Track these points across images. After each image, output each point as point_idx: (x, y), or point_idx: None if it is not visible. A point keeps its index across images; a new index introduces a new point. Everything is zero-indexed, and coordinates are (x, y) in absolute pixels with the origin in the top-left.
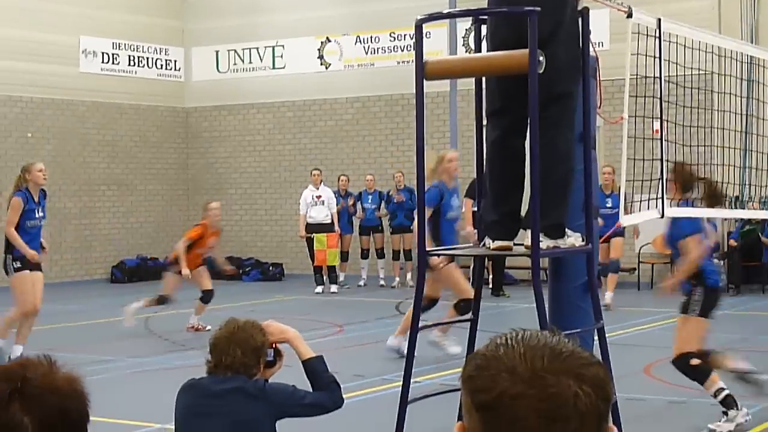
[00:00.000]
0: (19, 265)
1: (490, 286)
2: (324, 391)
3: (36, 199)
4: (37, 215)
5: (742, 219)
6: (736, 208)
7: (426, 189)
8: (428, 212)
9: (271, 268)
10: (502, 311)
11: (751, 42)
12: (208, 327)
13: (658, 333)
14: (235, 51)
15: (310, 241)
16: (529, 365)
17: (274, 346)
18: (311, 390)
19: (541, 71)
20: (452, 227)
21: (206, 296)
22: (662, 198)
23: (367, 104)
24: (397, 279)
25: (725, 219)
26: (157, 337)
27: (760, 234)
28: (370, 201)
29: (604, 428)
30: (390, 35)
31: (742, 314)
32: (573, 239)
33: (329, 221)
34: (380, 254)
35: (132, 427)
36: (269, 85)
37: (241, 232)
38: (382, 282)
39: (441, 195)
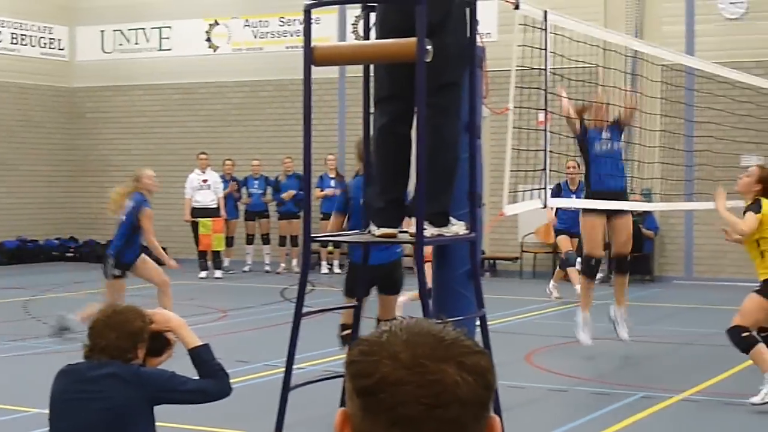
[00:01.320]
0: None
1: None
2: (210, 379)
3: None
4: None
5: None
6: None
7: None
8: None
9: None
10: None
11: (636, 36)
12: None
13: (539, 321)
14: (121, 31)
15: (195, 226)
16: (411, 352)
17: (162, 334)
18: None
19: (428, 60)
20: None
21: None
22: (545, 188)
23: (256, 88)
24: (283, 265)
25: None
26: (35, 321)
27: (641, 225)
28: (256, 186)
29: (485, 417)
30: (279, 20)
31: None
32: (457, 227)
33: (215, 206)
34: (266, 240)
35: (8, 412)
36: (156, 67)
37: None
38: (267, 267)
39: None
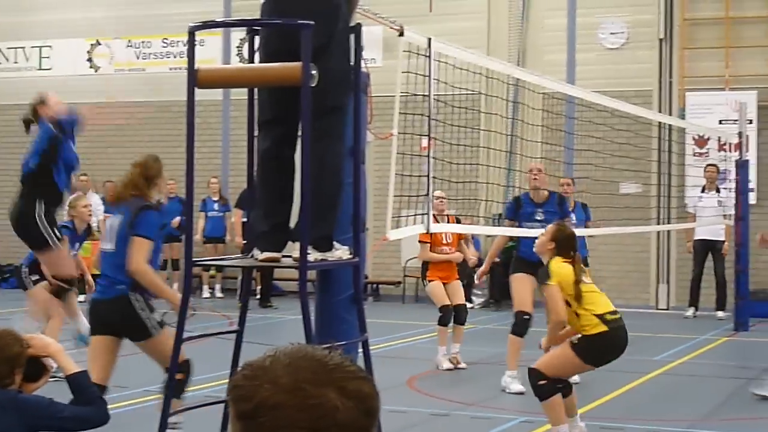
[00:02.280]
0: None
1: (258, 297)
2: (88, 406)
3: None
4: None
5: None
6: (498, 225)
7: None
8: None
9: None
10: (269, 322)
11: (519, 64)
12: None
13: (421, 346)
14: (0, 50)
15: None
16: (292, 376)
17: (39, 360)
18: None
19: (314, 84)
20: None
21: None
22: (428, 213)
23: (138, 110)
24: None
25: (488, 236)
26: None
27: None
28: None
29: None
30: (162, 41)
31: (506, 329)
32: (341, 252)
33: (96, 228)
34: None
35: None
36: (36, 86)
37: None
38: None
39: None
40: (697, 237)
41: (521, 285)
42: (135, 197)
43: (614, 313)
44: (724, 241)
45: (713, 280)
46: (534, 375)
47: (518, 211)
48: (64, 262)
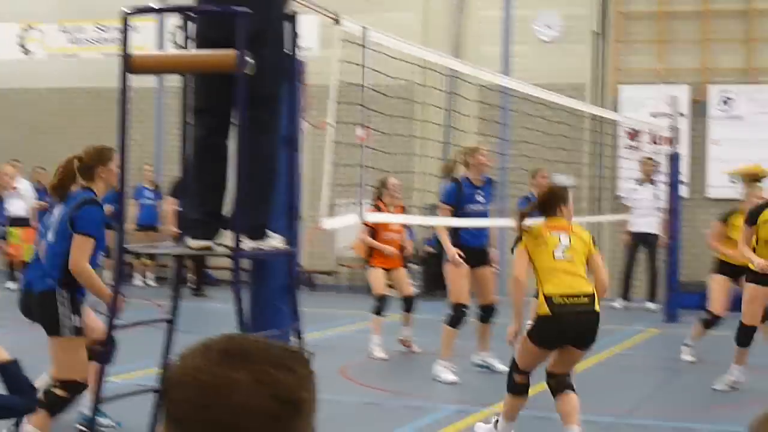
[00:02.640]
0: None
1: (191, 286)
2: (17, 394)
3: None
4: None
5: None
6: (433, 215)
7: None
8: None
9: None
10: (202, 311)
11: (454, 56)
12: None
13: (355, 335)
14: None
15: (3, 234)
16: (201, 357)
17: None
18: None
19: (249, 72)
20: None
21: None
22: (362, 203)
23: (71, 96)
24: None
25: (422, 226)
26: None
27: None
28: None
29: (279, 429)
30: (96, 26)
31: (439, 318)
32: (275, 241)
33: (25, 215)
34: None
35: None
36: None
37: None
38: None
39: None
40: (632, 229)
41: (458, 275)
42: (80, 189)
43: (571, 296)
44: (658, 234)
45: (643, 271)
46: (511, 365)
47: (460, 194)
48: None
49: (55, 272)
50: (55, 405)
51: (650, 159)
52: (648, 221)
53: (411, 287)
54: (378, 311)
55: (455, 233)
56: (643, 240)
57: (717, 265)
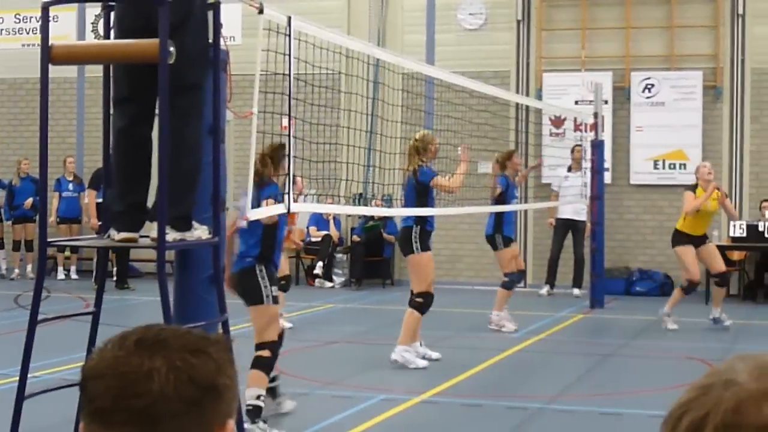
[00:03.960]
0: None
1: (114, 278)
2: None
3: None
4: None
5: (365, 215)
6: (359, 204)
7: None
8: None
9: None
10: (126, 304)
11: (379, 44)
12: None
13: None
14: None
15: None
16: (116, 347)
17: None
18: None
19: (171, 61)
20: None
21: None
22: (289, 193)
23: None
24: (17, 271)
25: (348, 215)
26: None
27: (382, 230)
28: None
29: (200, 417)
30: (15, 16)
31: (366, 307)
32: (200, 232)
33: None
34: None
35: None
36: None
37: None
38: (3, 273)
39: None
40: (559, 216)
41: (431, 263)
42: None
43: None
44: (585, 221)
45: (570, 258)
46: None
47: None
48: None
49: (253, 251)
50: (267, 366)
51: (580, 146)
52: (576, 208)
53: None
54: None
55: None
56: (570, 227)
57: (679, 237)
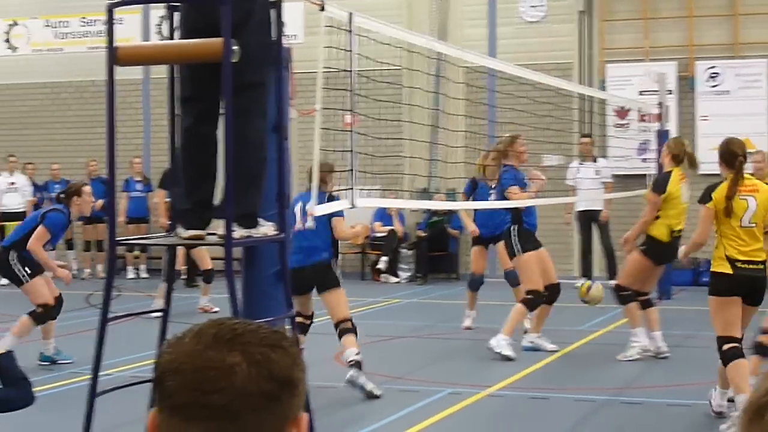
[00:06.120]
0: None
1: (184, 277)
2: (12, 388)
3: None
4: None
5: (429, 210)
6: (423, 199)
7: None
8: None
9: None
10: (195, 302)
11: (440, 39)
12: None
13: None
14: None
15: (1, 229)
16: (194, 342)
17: None
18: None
19: (235, 60)
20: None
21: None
22: (353, 188)
23: (57, 90)
24: (88, 270)
25: (413, 210)
26: None
27: (446, 225)
28: (57, 190)
29: (276, 411)
30: (81, 20)
31: (431, 302)
32: (266, 228)
33: (23, 209)
34: (70, 245)
35: None
36: None
37: None
38: (74, 272)
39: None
40: (577, 209)
41: (534, 262)
42: None
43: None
44: (602, 210)
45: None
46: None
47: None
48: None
49: (328, 246)
50: (354, 331)
51: (587, 137)
52: (592, 199)
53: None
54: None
55: (521, 218)
56: (591, 218)
57: None
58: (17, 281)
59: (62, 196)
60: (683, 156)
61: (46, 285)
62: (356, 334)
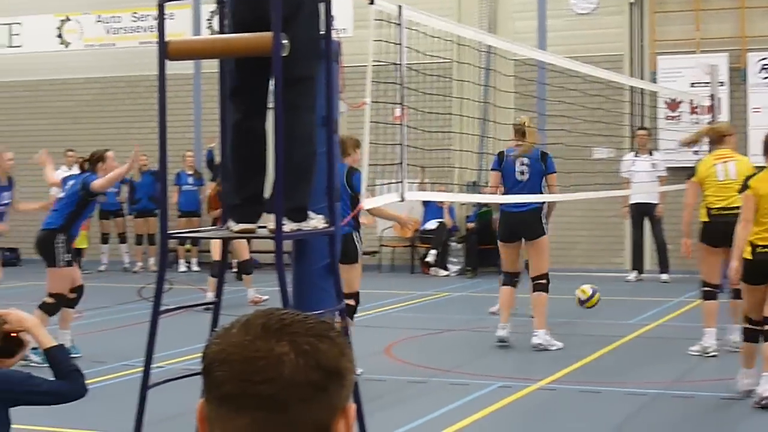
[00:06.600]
0: None
1: (234, 270)
2: (65, 380)
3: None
4: None
5: (478, 203)
6: (473, 192)
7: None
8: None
9: (7, 253)
10: (246, 294)
11: (489, 31)
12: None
13: (398, 315)
14: None
15: None
16: (242, 332)
17: (14, 335)
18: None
19: (285, 54)
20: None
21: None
22: (402, 182)
23: (108, 85)
24: (140, 264)
25: (462, 203)
26: None
27: (494, 215)
28: None
29: (323, 401)
30: (132, 15)
31: (481, 295)
32: (316, 221)
33: None
34: (122, 239)
35: None
36: (4, 64)
37: None
38: (126, 266)
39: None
40: (632, 201)
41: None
42: None
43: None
44: (658, 204)
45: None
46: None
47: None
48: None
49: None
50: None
51: (644, 129)
52: (647, 192)
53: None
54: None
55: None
56: (645, 211)
57: None
58: (52, 262)
59: (87, 164)
60: (716, 136)
61: (71, 278)
62: (355, 311)
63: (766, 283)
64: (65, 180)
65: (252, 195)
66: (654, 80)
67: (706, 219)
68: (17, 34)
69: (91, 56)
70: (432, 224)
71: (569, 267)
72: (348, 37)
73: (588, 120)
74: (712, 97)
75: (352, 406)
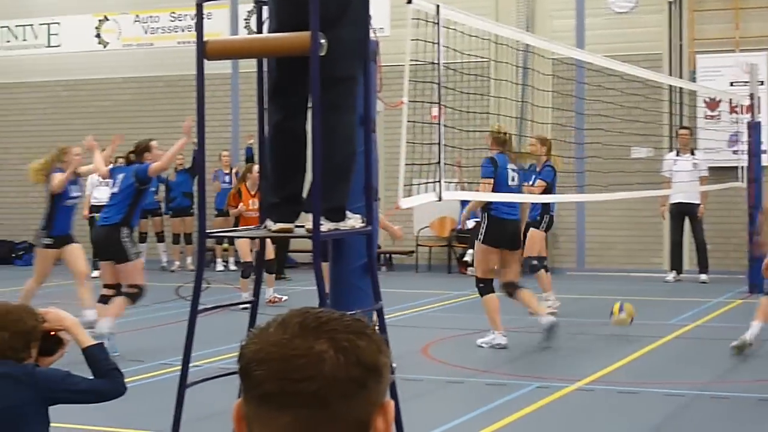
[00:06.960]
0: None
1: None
2: (104, 379)
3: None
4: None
5: None
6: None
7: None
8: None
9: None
10: (284, 294)
11: (527, 30)
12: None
13: (435, 314)
14: (8, 27)
15: (92, 222)
16: (280, 331)
17: (53, 334)
18: (93, 377)
19: (322, 54)
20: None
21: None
22: (440, 181)
23: (146, 84)
24: (177, 263)
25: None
26: None
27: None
28: None
29: (364, 397)
30: (170, 15)
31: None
32: (353, 221)
33: None
34: (160, 238)
35: None
36: (43, 64)
37: (12, 214)
38: (164, 265)
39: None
40: (672, 201)
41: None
42: None
43: None
44: (699, 204)
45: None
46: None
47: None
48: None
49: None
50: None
51: (686, 129)
52: (687, 191)
53: (273, 255)
54: (245, 275)
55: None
56: (685, 211)
57: None
58: (123, 258)
59: (133, 155)
60: None
61: (143, 268)
62: None
63: None
64: (113, 172)
65: (291, 194)
66: (693, 79)
67: None
68: (56, 34)
69: (129, 56)
70: (470, 224)
71: (608, 267)
72: (385, 36)
73: (626, 119)
74: (751, 96)
75: (391, 403)
